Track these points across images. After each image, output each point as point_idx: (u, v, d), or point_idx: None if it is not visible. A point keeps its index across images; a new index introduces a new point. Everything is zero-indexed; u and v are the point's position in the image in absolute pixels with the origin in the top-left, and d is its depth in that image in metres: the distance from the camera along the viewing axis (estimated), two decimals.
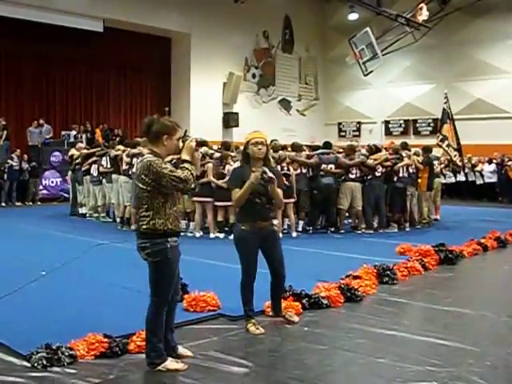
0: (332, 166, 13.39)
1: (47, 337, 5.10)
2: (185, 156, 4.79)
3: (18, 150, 20.62)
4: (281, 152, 13.24)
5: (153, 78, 27.71)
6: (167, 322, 4.93)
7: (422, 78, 28.25)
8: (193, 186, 4.79)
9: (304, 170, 13.44)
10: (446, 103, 16.67)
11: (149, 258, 4.75)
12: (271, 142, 14.00)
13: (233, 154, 13.19)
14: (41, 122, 22.85)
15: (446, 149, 16.11)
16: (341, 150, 14.91)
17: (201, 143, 12.91)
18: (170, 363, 4.82)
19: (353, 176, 13.48)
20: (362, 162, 13.58)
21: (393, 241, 11.61)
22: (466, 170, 23.85)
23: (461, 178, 24.19)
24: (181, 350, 5.13)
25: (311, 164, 13.51)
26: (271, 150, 13.02)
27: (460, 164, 17.16)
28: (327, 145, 14.35)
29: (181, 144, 4.81)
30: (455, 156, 16.19)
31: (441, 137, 16.32)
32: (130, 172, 13.49)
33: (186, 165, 4.71)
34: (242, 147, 6.28)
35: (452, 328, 6.12)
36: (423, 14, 22.95)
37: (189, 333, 5.78)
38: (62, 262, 8.78)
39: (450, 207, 18.45)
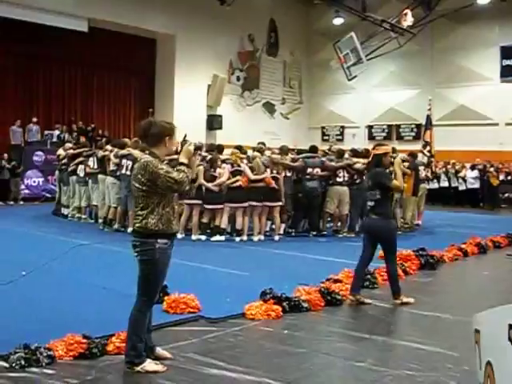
0: (318, 169, 13.41)
1: (26, 337, 5.07)
2: (182, 159, 4.87)
3: None
4: (268, 154, 13.30)
5: (137, 78, 27.61)
6: None
7: (406, 83, 28.41)
8: (187, 188, 4.88)
9: (289, 174, 13.46)
10: (429, 109, 16.80)
11: (138, 257, 4.85)
12: (255, 146, 14.12)
13: (223, 156, 13.17)
14: (34, 120, 22.78)
15: (428, 155, 16.21)
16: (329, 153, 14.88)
17: (198, 148, 12.94)
18: (149, 365, 4.81)
19: (340, 179, 13.44)
20: (348, 164, 13.58)
21: None
22: (449, 175, 24.02)
23: (444, 183, 24.32)
24: (160, 351, 5.13)
25: (296, 167, 13.53)
26: (255, 153, 13.11)
27: (433, 170, 17.30)
28: (313, 148, 14.30)
29: (179, 147, 4.92)
30: (431, 162, 16.30)
31: (423, 143, 16.43)
32: (117, 173, 13.39)
33: (183, 167, 4.80)
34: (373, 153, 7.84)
35: (431, 333, 6.15)
36: (408, 20, 23.08)
37: (168, 334, 5.77)
38: (43, 262, 8.73)
39: (432, 212, 18.53)
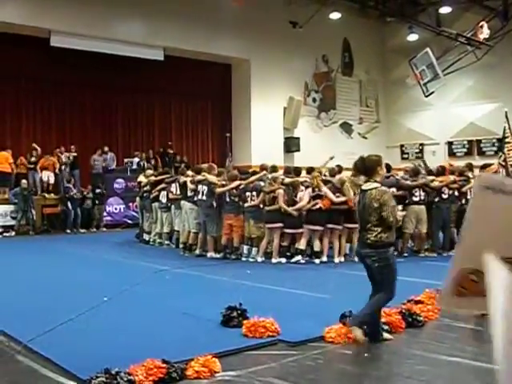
0: (394, 189, 13.21)
1: (107, 362, 5.14)
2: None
3: (72, 179, 21.15)
4: (339, 176, 13.22)
5: (213, 104, 28.00)
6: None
7: (486, 96, 27.72)
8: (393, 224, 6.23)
9: None
10: (505, 122, 16.33)
11: (374, 264, 6.12)
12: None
13: (301, 179, 13.17)
14: (105, 149, 23.43)
15: (510, 168, 15.73)
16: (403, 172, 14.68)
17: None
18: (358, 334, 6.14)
19: (417, 199, 13.19)
20: (425, 183, 13.34)
21: None
22: None
23: None
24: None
25: None
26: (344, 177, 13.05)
27: None
28: (387, 168, 14.11)
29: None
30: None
31: (503, 156, 15.95)
32: (195, 199, 13.51)
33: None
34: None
35: None
36: (484, 32, 22.64)
37: (247, 359, 5.75)
38: (124, 287, 8.91)
39: None
